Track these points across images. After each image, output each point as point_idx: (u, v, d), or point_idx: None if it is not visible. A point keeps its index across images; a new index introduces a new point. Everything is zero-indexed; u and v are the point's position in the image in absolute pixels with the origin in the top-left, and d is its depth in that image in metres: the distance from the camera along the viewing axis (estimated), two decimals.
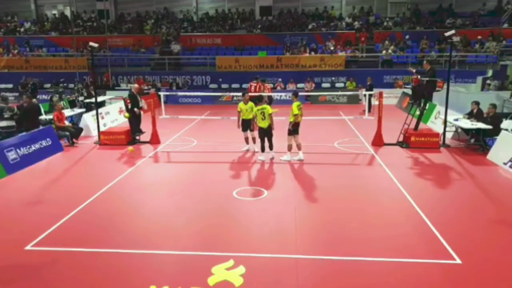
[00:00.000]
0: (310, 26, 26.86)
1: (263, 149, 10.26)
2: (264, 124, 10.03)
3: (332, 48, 23.95)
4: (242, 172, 9.47)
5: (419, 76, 11.73)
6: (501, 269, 5.23)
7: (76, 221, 6.81)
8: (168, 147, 12.06)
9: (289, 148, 10.22)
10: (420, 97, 11.76)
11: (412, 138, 11.55)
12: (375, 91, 16.22)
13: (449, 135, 12.30)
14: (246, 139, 11.19)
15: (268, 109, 10.03)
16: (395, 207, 7.32)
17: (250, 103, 10.75)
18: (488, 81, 17.88)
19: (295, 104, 9.98)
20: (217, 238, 6.16)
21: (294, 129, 10.08)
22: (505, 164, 9.54)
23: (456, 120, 11.56)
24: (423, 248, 5.76)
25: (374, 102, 15.97)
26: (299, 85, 22.64)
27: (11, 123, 10.94)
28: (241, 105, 10.81)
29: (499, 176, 9.18)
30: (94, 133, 13.11)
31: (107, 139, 12.24)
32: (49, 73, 24.66)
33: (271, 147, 10.28)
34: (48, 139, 10.99)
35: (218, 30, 27.71)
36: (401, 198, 7.69)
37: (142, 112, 12.89)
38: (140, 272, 5.19)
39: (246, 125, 10.91)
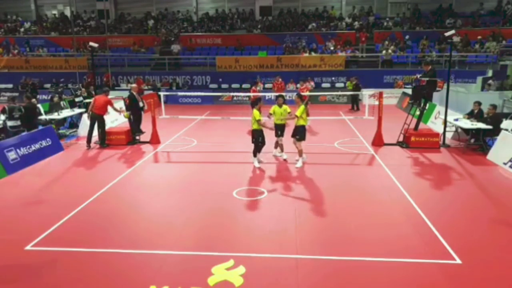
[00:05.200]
0: (310, 26, 26.87)
1: (255, 153, 9.91)
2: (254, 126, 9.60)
3: (332, 48, 23.95)
4: (242, 172, 9.46)
5: (419, 76, 11.82)
6: (501, 269, 5.23)
7: (76, 221, 6.81)
8: (168, 147, 12.05)
9: (300, 153, 9.82)
10: (420, 97, 11.77)
11: (412, 138, 11.55)
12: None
13: (449, 135, 12.31)
14: (276, 144, 10.49)
15: (256, 114, 9.43)
16: (395, 207, 7.32)
17: (285, 106, 10.01)
18: (489, 81, 17.84)
19: (301, 108, 9.51)
20: (217, 238, 6.15)
21: (300, 135, 9.66)
22: (505, 164, 9.54)
23: (456, 120, 11.57)
24: (423, 248, 5.75)
25: (372, 102, 15.96)
26: (299, 85, 22.59)
27: (18, 122, 11.05)
28: (274, 108, 10.04)
29: (499, 176, 9.17)
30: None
31: (107, 139, 12.23)
32: (49, 73, 24.68)
33: (258, 151, 9.90)
34: (48, 139, 10.98)
35: (218, 30, 27.72)
36: (401, 198, 7.69)
37: (143, 112, 12.89)
38: (140, 272, 5.19)
39: (278, 129, 10.13)
